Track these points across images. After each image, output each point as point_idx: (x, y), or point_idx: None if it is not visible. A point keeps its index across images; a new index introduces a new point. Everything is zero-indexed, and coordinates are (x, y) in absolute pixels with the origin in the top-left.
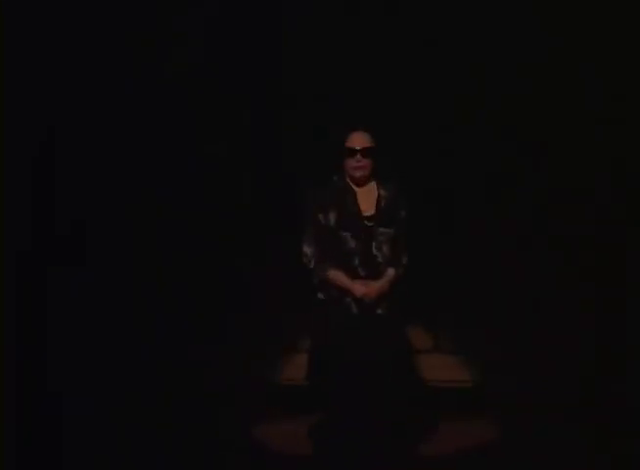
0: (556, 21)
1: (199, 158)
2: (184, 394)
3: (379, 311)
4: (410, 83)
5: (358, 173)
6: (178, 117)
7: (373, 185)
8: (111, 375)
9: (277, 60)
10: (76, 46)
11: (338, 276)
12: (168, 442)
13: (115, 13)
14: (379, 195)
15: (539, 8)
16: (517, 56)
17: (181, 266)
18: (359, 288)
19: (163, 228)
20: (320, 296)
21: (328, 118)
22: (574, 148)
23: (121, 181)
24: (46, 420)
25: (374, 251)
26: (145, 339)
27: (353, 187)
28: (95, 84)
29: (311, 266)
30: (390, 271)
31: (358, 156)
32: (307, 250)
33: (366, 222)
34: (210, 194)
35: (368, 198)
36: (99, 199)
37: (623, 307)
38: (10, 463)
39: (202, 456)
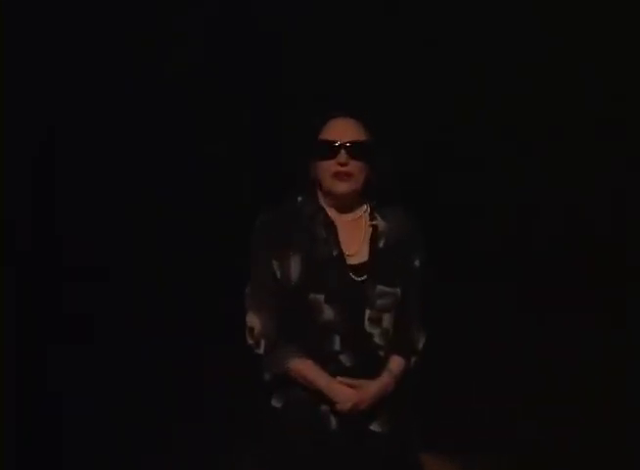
0: (556, 20)
1: (199, 158)
2: (183, 394)
3: (374, 428)
4: (410, 83)
5: (341, 187)
6: (178, 116)
7: (364, 211)
8: (111, 375)
9: (277, 60)
10: (76, 46)
11: (306, 369)
12: (168, 442)
13: (115, 13)
14: (375, 228)
15: (539, 8)
16: (517, 56)
17: (181, 266)
18: (344, 392)
19: (163, 228)
20: (275, 403)
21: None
22: (574, 148)
23: (121, 181)
24: (46, 420)
25: (367, 326)
26: (144, 339)
27: (330, 213)
28: (95, 84)
29: (260, 351)
30: (396, 362)
31: (342, 155)
32: (255, 322)
33: (353, 276)
34: (210, 194)
35: (356, 233)
36: (99, 199)
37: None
38: (10, 463)
39: (201, 456)
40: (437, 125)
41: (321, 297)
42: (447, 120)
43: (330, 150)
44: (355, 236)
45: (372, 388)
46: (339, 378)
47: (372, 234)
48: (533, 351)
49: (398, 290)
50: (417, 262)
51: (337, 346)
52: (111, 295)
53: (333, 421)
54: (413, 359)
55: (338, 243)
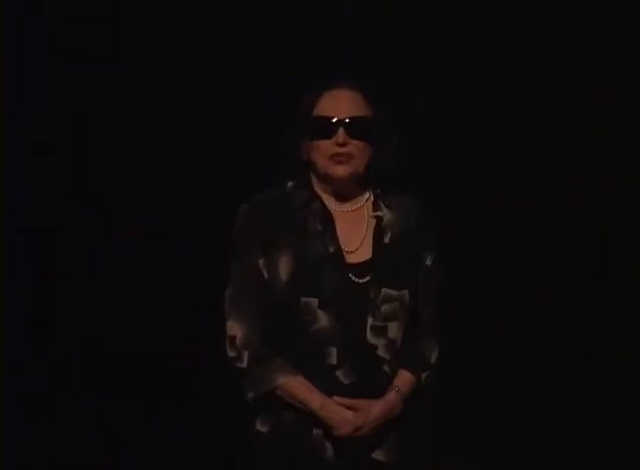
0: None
1: (199, 157)
2: (152, 413)
3: (377, 457)
4: (420, 44)
5: (340, 170)
6: (177, 116)
7: (367, 200)
8: (110, 375)
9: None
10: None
11: (296, 387)
12: (169, 442)
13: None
14: (379, 220)
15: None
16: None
17: (180, 266)
18: (342, 415)
19: (163, 228)
20: (260, 427)
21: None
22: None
23: (120, 180)
24: (46, 419)
25: (369, 336)
26: (144, 339)
27: (327, 202)
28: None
29: (243, 365)
30: (405, 378)
31: (340, 134)
32: (236, 330)
33: (353, 277)
34: (210, 194)
35: (357, 226)
36: (97, 198)
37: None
38: (10, 463)
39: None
40: (452, 97)
41: (315, 301)
42: (462, 90)
43: (326, 128)
44: (356, 229)
45: (375, 409)
46: (335, 398)
47: (376, 227)
48: (566, 361)
49: (407, 293)
50: (429, 261)
51: (333, 359)
52: (110, 295)
53: (328, 449)
54: (424, 375)
55: (335, 237)
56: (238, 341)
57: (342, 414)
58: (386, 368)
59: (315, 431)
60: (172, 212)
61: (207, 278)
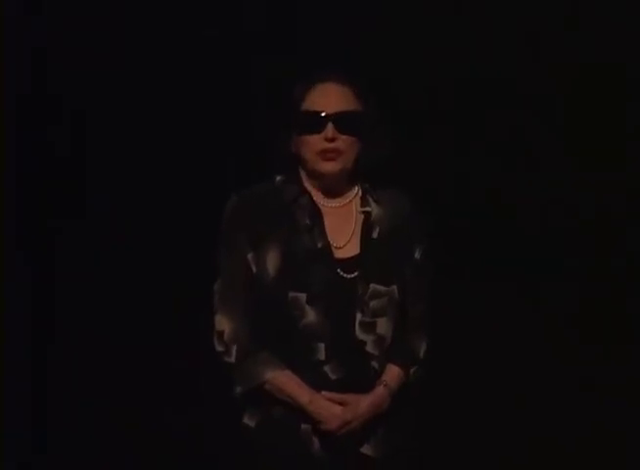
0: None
1: (200, 157)
2: (183, 395)
3: (366, 452)
4: (412, 39)
5: (329, 166)
6: (177, 117)
7: (355, 195)
8: (110, 375)
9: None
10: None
11: (285, 382)
12: (169, 442)
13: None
14: (367, 215)
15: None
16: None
17: (180, 266)
18: (330, 409)
19: (163, 228)
20: (247, 421)
21: None
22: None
23: (120, 179)
24: (46, 419)
25: (358, 332)
26: (143, 339)
27: (316, 198)
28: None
29: (231, 359)
30: (393, 373)
31: (329, 129)
32: (225, 324)
33: (341, 272)
34: (211, 194)
35: (345, 221)
36: (97, 198)
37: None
38: (10, 463)
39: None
40: (442, 93)
41: (303, 296)
42: (452, 87)
43: (314, 123)
44: (344, 225)
45: (363, 404)
46: (324, 392)
47: (364, 222)
48: (553, 356)
49: (395, 289)
50: (417, 254)
51: (321, 355)
52: (110, 296)
53: (316, 443)
54: (413, 370)
55: (324, 233)
56: (226, 335)
57: (330, 409)
58: (374, 364)
59: (303, 426)
60: (172, 213)
61: (207, 278)
